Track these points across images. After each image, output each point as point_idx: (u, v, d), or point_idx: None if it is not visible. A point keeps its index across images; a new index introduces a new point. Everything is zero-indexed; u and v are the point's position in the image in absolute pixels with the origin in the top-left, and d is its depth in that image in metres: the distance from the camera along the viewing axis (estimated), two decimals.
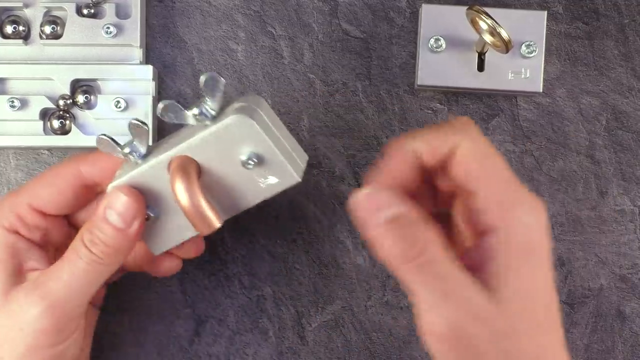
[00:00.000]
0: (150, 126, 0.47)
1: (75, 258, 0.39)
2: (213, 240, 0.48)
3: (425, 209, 0.37)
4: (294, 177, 0.40)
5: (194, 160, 0.39)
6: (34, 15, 0.48)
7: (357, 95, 0.49)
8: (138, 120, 0.39)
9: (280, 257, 0.49)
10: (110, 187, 0.40)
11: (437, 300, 0.35)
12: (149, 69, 0.47)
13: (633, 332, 0.48)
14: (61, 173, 0.42)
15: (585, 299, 0.49)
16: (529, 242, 0.36)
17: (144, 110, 0.47)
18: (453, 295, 0.35)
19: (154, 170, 0.39)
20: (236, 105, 0.39)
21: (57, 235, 0.43)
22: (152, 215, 0.40)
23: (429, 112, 0.49)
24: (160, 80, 0.49)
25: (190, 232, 0.41)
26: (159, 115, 0.38)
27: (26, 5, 0.48)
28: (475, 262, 0.36)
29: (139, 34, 0.47)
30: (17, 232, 0.41)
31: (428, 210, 0.38)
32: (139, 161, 0.39)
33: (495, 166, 0.37)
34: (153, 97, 0.47)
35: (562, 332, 0.38)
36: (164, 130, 0.49)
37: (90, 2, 0.48)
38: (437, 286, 0.35)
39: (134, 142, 0.39)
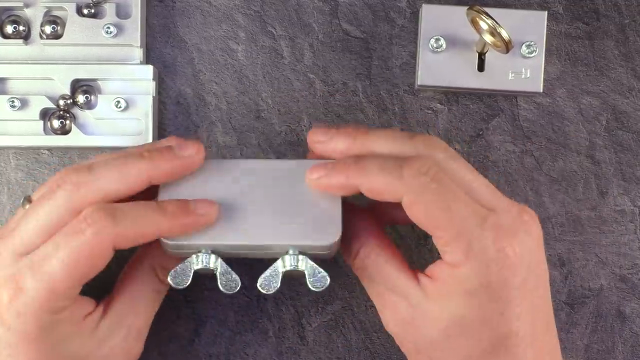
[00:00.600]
0: (151, 126, 0.47)
1: (150, 292, 0.42)
2: None
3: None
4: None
5: None
6: (34, 15, 0.48)
7: (357, 96, 0.49)
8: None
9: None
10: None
11: (375, 300, 0.41)
12: (149, 69, 0.47)
13: (633, 333, 0.48)
14: (97, 253, 0.38)
15: (585, 299, 0.49)
16: (478, 284, 0.38)
17: (144, 110, 0.47)
18: (382, 298, 0.40)
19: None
20: (311, 276, 0.41)
21: None
22: None
23: (429, 112, 0.49)
24: (161, 80, 0.49)
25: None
26: None
27: (26, 5, 0.48)
28: (435, 274, 0.39)
29: (139, 34, 0.47)
30: (66, 307, 0.39)
31: None
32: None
33: (447, 213, 0.37)
34: (153, 97, 0.47)
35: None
36: (164, 131, 0.49)
37: (91, 2, 0.48)
38: (370, 289, 0.41)
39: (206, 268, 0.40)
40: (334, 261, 0.48)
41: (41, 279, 0.38)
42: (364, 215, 0.42)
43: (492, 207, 0.38)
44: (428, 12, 0.47)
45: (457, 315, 0.38)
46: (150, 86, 0.47)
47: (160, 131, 0.49)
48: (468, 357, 0.39)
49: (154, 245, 0.41)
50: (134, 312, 0.41)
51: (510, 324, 0.38)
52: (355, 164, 0.39)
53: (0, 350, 0.39)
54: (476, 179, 0.39)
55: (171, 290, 0.48)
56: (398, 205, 0.40)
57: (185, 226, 0.39)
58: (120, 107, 0.47)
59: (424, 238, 0.48)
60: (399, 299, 0.40)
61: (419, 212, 0.38)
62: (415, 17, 0.49)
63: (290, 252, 0.39)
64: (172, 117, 0.49)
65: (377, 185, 0.38)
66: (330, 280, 0.48)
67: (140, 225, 0.38)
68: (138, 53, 0.48)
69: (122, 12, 0.48)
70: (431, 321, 0.39)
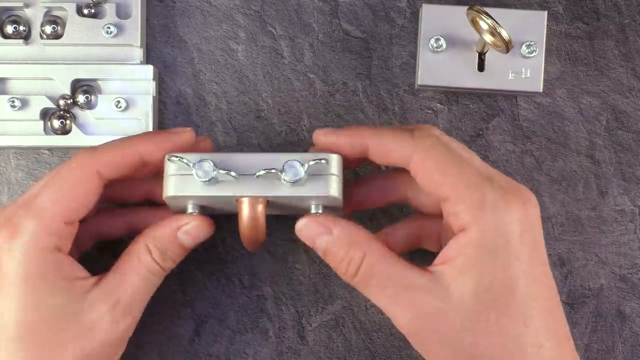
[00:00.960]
0: (151, 126, 0.47)
1: (143, 270, 0.41)
2: (213, 240, 0.48)
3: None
4: (342, 212, 0.43)
5: (266, 200, 0.40)
6: (35, 15, 0.48)
7: (357, 95, 0.49)
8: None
9: (280, 257, 0.49)
10: (168, 197, 0.40)
11: (387, 305, 0.39)
12: (149, 69, 0.47)
13: (633, 332, 0.49)
14: (81, 179, 0.40)
15: (585, 299, 0.49)
16: (497, 240, 0.37)
17: (144, 110, 0.47)
18: (398, 299, 0.38)
19: (222, 197, 0.40)
20: (312, 163, 0.39)
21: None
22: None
23: (430, 112, 0.49)
24: (161, 80, 0.49)
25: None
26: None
27: (27, 5, 0.48)
28: (450, 255, 0.38)
29: (139, 34, 0.47)
30: (60, 250, 0.40)
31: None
32: (204, 181, 0.39)
33: (457, 169, 0.38)
34: (153, 97, 0.47)
35: (545, 328, 0.38)
36: None
37: (91, 2, 0.48)
38: (380, 295, 0.39)
39: (205, 165, 0.39)
40: None
41: (33, 214, 0.39)
42: (356, 227, 0.41)
43: (490, 176, 0.39)
44: (428, 12, 0.47)
45: (483, 285, 0.37)
46: (151, 86, 0.47)
47: None
48: (498, 334, 0.37)
49: (152, 226, 0.42)
50: (123, 286, 0.41)
51: (528, 285, 0.37)
52: (367, 126, 0.41)
53: None
54: (473, 154, 0.40)
55: (171, 289, 0.48)
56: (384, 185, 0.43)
57: (163, 143, 0.41)
58: (120, 107, 0.47)
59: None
60: (419, 294, 0.38)
61: (430, 168, 0.39)
62: (415, 17, 0.49)
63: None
64: (172, 117, 0.49)
65: (389, 142, 0.40)
66: (330, 281, 0.49)
67: (119, 147, 0.40)
68: (138, 53, 0.48)
69: (122, 12, 0.48)
70: (458, 304, 0.37)
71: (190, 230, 0.41)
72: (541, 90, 0.47)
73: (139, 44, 0.47)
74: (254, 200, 0.40)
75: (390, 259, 0.39)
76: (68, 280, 0.40)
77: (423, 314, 0.38)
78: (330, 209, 0.41)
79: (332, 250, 0.40)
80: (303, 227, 0.41)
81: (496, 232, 0.37)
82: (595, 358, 0.48)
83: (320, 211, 0.41)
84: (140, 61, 0.48)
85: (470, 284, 0.37)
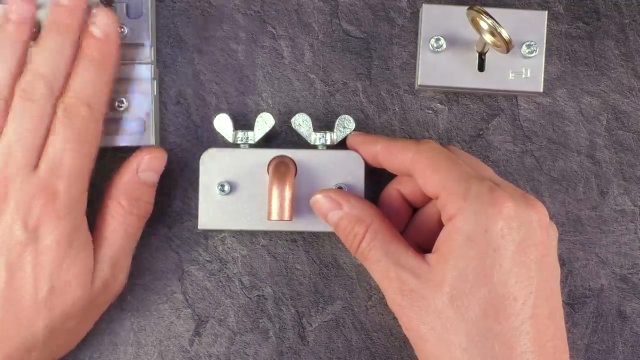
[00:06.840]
0: (152, 125, 0.47)
1: (125, 227, 0.45)
2: (213, 240, 0.48)
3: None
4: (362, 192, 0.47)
5: (294, 163, 0.46)
6: (45, 16, 0.47)
7: (357, 96, 0.49)
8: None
9: (280, 257, 0.49)
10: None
11: (379, 278, 0.42)
12: (150, 69, 0.47)
13: (634, 332, 0.48)
14: (95, 134, 0.45)
15: (585, 299, 0.49)
16: (476, 228, 0.39)
17: (145, 110, 0.47)
18: (389, 274, 0.41)
19: (256, 156, 0.46)
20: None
21: None
22: (226, 189, 0.46)
23: (430, 112, 0.49)
24: (161, 80, 0.49)
25: (244, 225, 0.46)
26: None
27: (38, 6, 0.47)
28: (438, 244, 0.41)
29: (150, 33, 0.47)
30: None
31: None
32: (245, 146, 0.46)
33: (448, 167, 0.41)
34: (154, 96, 0.47)
35: (517, 322, 0.38)
36: (164, 131, 0.49)
37: (101, 2, 0.47)
38: (375, 268, 0.42)
39: (249, 132, 0.47)
40: (334, 261, 0.49)
41: (67, 174, 0.42)
42: (364, 204, 0.43)
43: (498, 183, 0.41)
44: (428, 12, 0.47)
45: (458, 270, 0.39)
46: (152, 86, 0.47)
47: (161, 131, 0.49)
48: (470, 322, 0.38)
49: (114, 180, 0.45)
50: (113, 249, 0.45)
51: (507, 281, 0.38)
52: (383, 135, 0.47)
53: (26, 260, 0.42)
54: (486, 167, 0.43)
55: (171, 289, 0.48)
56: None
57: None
58: (121, 107, 0.47)
59: None
60: (406, 273, 0.40)
61: (425, 166, 0.41)
62: (415, 17, 0.49)
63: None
64: (172, 117, 0.49)
65: (394, 147, 0.44)
66: (330, 281, 0.49)
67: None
68: (149, 52, 0.47)
69: (132, 12, 0.48)
70: (435, 287, 0.39)
71: (149, 164, 0.45)
72: (541, 90, 0.47)
73: (150, 43, 0.47)
74: (287, 160, 0.45)
75: (389, 237, 0.42)
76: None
77: (408, 290, 0.40)
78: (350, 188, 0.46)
79: (340, 224, 0.43)
80: (316, 202, 0.44)
81: (476, 220, 0.39)
82: (596, 358, 0.48)
83: (346, 189, 0.45)
84: (152, 60, 0.47)
85: (450, 270, 0.39)
